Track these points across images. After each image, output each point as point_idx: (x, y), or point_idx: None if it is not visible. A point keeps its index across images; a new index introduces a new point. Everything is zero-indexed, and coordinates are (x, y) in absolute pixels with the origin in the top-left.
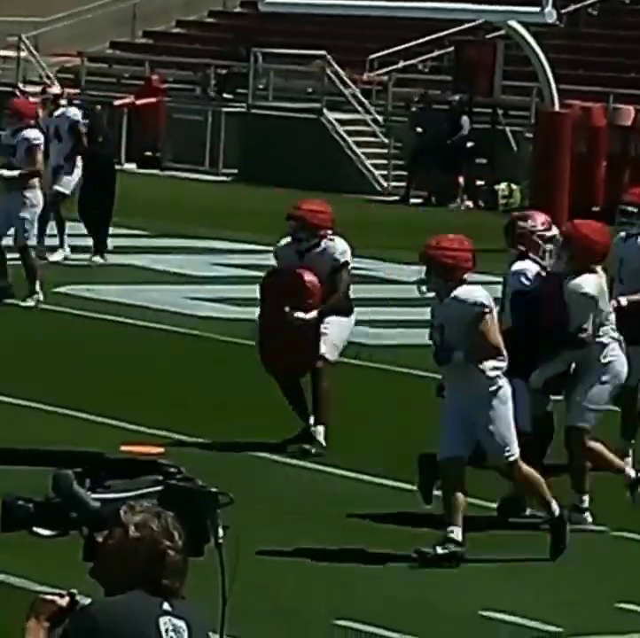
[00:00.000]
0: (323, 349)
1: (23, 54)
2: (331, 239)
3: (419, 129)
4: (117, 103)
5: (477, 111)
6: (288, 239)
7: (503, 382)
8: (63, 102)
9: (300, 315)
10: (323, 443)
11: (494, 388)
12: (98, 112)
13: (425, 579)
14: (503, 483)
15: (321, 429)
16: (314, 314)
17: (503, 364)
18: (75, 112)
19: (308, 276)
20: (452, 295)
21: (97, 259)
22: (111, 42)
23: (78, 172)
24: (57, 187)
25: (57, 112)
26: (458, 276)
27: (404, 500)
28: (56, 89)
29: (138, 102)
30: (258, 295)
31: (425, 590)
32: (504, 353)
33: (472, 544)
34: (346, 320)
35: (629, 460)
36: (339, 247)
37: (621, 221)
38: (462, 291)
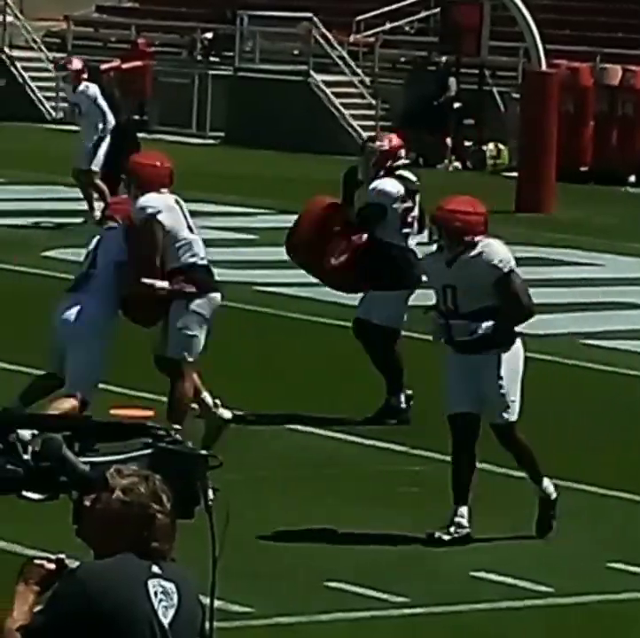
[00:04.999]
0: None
1: (9, 18)
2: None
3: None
4: (103, 67)
5: (464, 72)
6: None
7: None
8: (85, 76)
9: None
10: None
11: None
12: (105, 81)
13: (416, 540)
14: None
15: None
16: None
17: None
18: (95, 90)
19: None
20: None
21: None
22: (97, 5)
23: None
24: (94, 167)
25: (80, 88)
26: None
27: (394, 460)
28: (77, 64)
29: (124, 66)
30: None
31: (416, 551)
32: None
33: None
34: None
35: None
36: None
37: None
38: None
